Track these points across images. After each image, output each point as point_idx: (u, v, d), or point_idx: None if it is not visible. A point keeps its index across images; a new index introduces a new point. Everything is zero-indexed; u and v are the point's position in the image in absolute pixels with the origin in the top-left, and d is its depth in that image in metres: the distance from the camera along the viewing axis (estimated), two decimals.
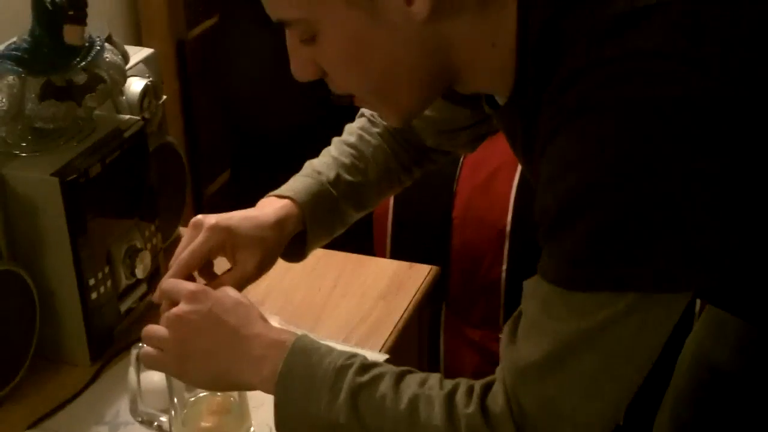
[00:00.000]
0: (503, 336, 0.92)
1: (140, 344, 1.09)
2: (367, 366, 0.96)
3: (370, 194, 1.23)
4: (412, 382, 0.93)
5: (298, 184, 1.18)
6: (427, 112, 1.18)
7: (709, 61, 0.79)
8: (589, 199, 0.80)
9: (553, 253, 0.85)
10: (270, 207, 1.15)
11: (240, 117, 2.22)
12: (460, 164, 2.01)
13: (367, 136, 1.23)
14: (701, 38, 0.80)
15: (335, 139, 1.25)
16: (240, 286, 1.09)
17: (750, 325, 1.10)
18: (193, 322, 1.01)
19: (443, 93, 1.00)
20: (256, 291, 1.42)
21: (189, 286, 1.04)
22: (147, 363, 1.04)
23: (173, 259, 1.11)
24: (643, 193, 0.79)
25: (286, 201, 1.16)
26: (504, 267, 1.92)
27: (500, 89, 0.94)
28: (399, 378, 0.94)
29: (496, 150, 2.01)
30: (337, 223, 1.21)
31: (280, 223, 1.14)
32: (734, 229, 0.82)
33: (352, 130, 1.25)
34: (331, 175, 1.19)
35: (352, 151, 1.22)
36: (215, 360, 1.00)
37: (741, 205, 0.82)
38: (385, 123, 1.24)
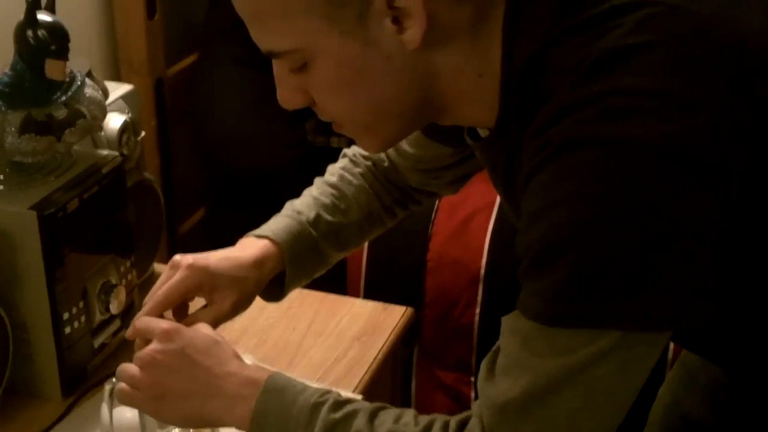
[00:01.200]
0: (481, 371, 0.92)
1: (113, 380, 1.09)
2: (341, 402, 0.96)
3: (352, 235, 1.23)
4: (387, 418, 0.93)
5: (278, 224, 1.18)
6: (410, 150, 1.19)
7: (697, 99, 0.79)
8: (574, 236, 0.80)
9: (534, 290, 0.84)
10: (249, 247, 1.16)
11: (217, 155, 2.23)
12: (435, 207, 2.02)
13: (348, 176, 1.24)
14: (689, 77, 0.80)
15: (317, 179, 1.26)
16: (215, 325, 1.09)
17: (722, 373, 1.10)
18: (166, 362, 1.01)
19: (425, 125, 1.00)
20: (230, 329, 1.42)
21: (162, 324, 1.03)
22: (121, 399, 1.04)
23: (148, 296, 1.11)
24: (629, 232, 0.79)
25: (265, 241, 1.16)
26: (478, 311, 1.93)
27: (485, 121, 0.94)
28: (373, 414, 0.94)
29: (472, 194, 2.03)
30: (317, 263, 1.21)
31: (258, 263, 1.14)
32: (718, 269, 0.82)
33: (334, 171, 1.26)
34: (312, 215, 1.19)
35: (333, 191, 1.22)
36: (189, 400, 1.00)
37: (726, 245, 0.82)
38: (363, 158, 1.24)
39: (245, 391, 0.98)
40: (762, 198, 0.83)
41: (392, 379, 1.48)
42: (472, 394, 1.94)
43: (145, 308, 1.09)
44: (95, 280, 1.29)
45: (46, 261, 1.20)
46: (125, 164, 1.36)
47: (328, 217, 1.20)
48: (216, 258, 1.13)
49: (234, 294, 1.12)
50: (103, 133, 1.38)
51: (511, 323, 0.88)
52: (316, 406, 0.95)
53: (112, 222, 1.32)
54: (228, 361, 1.01)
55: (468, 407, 1.98)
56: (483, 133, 0.98)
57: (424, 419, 0.93)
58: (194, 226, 2.35)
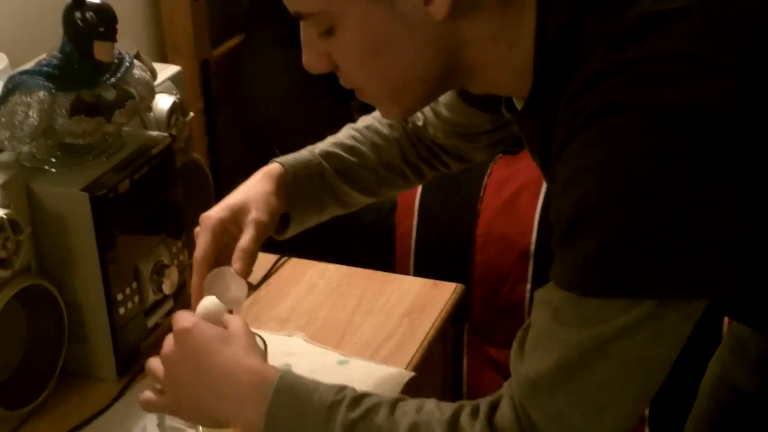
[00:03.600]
0: (512, 349, 0.90)
1: None
2: (357, 398, 0.93)
3: (367, 177, 1.23)
4: (409, 409, 0.91)
5: (288, 155, 1.21)
6: (448, 115, 1.18)
7: (731, 65, 0.78)
8: (604, 203, 0.80)
9: (567, 259, 0.83)
10: (256, 173, 1.19)
11: (261, 136, 2.23)
12: (484, 183, 2.01)
13: (377, 125, 1.25)
14: (724, 43, 0.79)
15: (347, 125, 1.27)
16: (261, 238, 1.11)
17: None
18: (179, 362, 1.00)
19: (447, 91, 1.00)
20: (279, 308, 1.42)
21: (179, 322, 1.02)
22: (145, 408, 1.05)
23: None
24: (662, 198, 0.78)
25: (272, 164, 1.19)
26: (528, 287, 1.92)
27: (517, 91, 0.94)
28: (393, 407, 0.92)
29: (521, 169, 2.01)
30: (324, 192, 1.21)
31: (265, 177, 1.16)
32: (754, 236, 0.81)
33: (366, 118, 1.27)
34: (325, 148, 1.21)
35: (355, 134, 1.24)
36: (202, 400, 0.99)
37: (761, 212, 0.81)
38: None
39: (254, 394, 0.95)
40: None
41: (443, 356, 1.48)
42: None
43: (193, 279, 1.11)
44: (147, 260, 1.29)
45: (98, 242, 1.21)
46: (174, 145, 1.36)
47: (342, 154, 1.21)
48: (227, 199, 1.15)
49: (260, 206, 1.13)
50: (152, 114, 1.39)
51: (543, 295, 0.87)
52: (333, 406, 0.92)
53: (162, 202, 1.32)
54: (238, 360, 0.98)
55: None
56: (519, 104, 0.97)
57: (449, 407, 0.91)
58: None
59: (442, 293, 1.45)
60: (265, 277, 1.50)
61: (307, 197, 1.19)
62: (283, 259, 1.55)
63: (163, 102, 1.39)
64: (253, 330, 1.17)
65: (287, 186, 1.18)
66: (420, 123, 1.23)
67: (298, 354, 1.31)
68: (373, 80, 0.94)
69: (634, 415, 0.87)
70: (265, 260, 1.54)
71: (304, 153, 1.21)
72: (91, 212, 1.19)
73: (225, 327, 1.02)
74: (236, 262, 1.08)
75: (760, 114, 0.79)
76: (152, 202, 1.30)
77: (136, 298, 1.28)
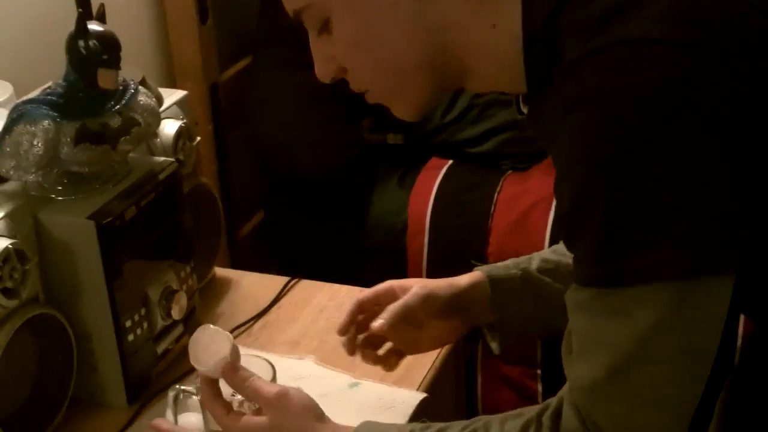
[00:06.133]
0: (562, 356, 0.91)
1: (177, 386, 1.09)
2: (443, 428, 0.97)
3: None
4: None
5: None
6: None
7: (701, 46, 0.79)
8: (597, 194, 0.80)
9: (577, 255, 0.85)
10: None
11: (272, 158, 2.23)
12: (494, 200, 2.00)
13: None
14: (693, 26, 0.80)
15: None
16: (404, 309, 1.15)
17: None
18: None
19: (454, 89, 1.00)
20: (290, 331, 1.42)
21: (266, 391, 1.02)
22: None
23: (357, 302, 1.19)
24: (650, 177, 0.79)
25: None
26: None
27: (516, 87, 0.94)
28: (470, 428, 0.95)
29: (531, 185, 2.00)
30: (528, 293, 1.18)
31: (455, 280, 1.19)
32: (744, 212, 0.80)
33: None
34: (527, 258, 1.21)
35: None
36: None
37: (746, 189, 0.81)
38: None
39: None
40: None
41: (455, 375, 1.47)
42: (538, 387, 1.92)
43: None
44: (156, 286, 1.29)
45: (105, 269, 1.21)
46: (181, 170, 1.36)
47: (546, 256, 1.20)
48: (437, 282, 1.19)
49: (424, 284, 1.17)
50: (158, 140, 1.39)
51: (572, 298, 0.88)
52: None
53: (170, 228, 1.32)
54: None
55: (533, 400, 1.96)
56: (525, 107, 0.98)
57: (515, 425, 0.92)
58: (253, 230, 2.36)
59: None
60: (276, 300, 1.50)
61: (509, 296, 1.19)
62: (294, 281, 1.54)
63: (170, 127, 1.40)
64: (260, 354, 1.17)
65: (485, 284, 1.19)
66: None
67: (308, 377, 1.30)
68: (373, 75, 0.95)
69: (695, 401, 0.85)
70: (275, 282, 1.54)
71: (506, 261, 1.22)
72: (97, 240, 1.19)
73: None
74: (378, 318, 1.14)
75: (727, 91, 0.79)
76: (159, 228, 1.30)
77: (145, 325, 1.28)
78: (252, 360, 1.10)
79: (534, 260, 1.20)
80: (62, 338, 1.23)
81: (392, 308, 1.15)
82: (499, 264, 1.21)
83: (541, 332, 1.27)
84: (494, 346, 1.21)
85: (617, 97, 0.79)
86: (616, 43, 0.80)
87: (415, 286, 1.17)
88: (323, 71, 0.97)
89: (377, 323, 1.14)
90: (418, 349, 1.22)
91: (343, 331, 1.17)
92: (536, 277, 1.18)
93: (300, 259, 2.12)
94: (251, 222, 2.37)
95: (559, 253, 1.19)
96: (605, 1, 0.82)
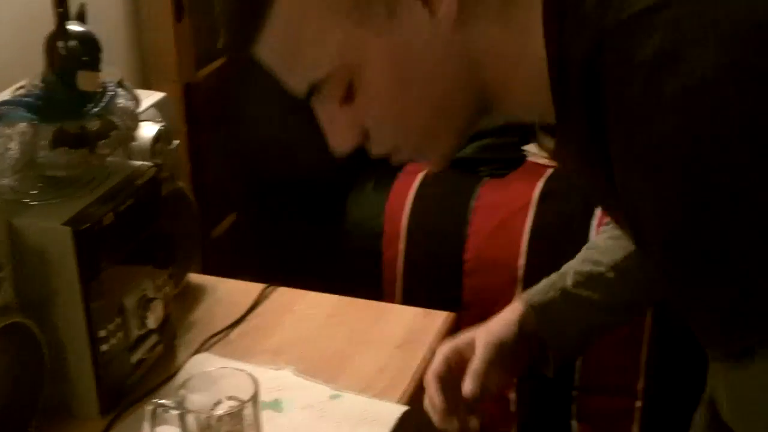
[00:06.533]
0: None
1: (155, 401, 1.06)
2: None
3: (614, 281, 1.16)
4: None
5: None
6: None
7: None
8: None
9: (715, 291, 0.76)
10: None
11: (247, 158, 2.20)
12: (472, 207, 1.98)
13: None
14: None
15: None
16: (485, 363, 1.13)
17: None
18: None
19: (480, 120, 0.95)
20: (270, 341, 1.39)
21: None
22: None
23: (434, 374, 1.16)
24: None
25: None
26: None
27: (538, 112, 0.90)
28: None
29: (509, 193, 1.99)
30: (573, 308, 1.16)
31: (501, 319, 1.16)
32: None
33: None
34: (562, 271, 1.19)
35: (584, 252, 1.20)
36: None
37: None
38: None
39: None
40: None
41: None
42: (512, 396, 1.90)
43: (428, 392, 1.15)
44: (132, 294, 1.26)
45: (81, 277, 1.17)
46: (159, 174, 1.33)
47: (579, 268, 1.17)
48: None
49: (490, 329, 1.15)
50: (135, 143, 1.35)
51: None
52: None
53: (148, 234, 1.29)
54: None
55: (506, 406, 1.94)
56: (545, 139, 0.94)
57: None
58: (225, 233, 2.32)
59: (435, 323, 1.42)
60: (253, 307, 1.47)
61: (554, 318, 1.17)
62: (270, 288, 1.52)
63: (148, 130, 1.36)
64: (242, 366, 1.15)
65: (528, 317, 1.16)
66: None
67: (288, 389, 1.27)
68: (406, 119, 0.89)
69: None
70: (251, 289, 1.51)
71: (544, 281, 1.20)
72: (73, 247, 1.16)
73: None
74: (465, 381, 1.12)
75: None
76: (137, 234, 1.27)
77: (120, 334, 1.24)
78: (234, 374, 1.07)
79: (569, 277, 1.18)
80: (34, 348, 1.19)
81: (475, 370, 1.13)
82: (538, 288, 1.19)
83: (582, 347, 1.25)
84: (548, 370, 1.20)
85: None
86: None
87: (480, 339, 1.15)
88: (346, 141, 0.91)
89: (468, 389, 1.12)
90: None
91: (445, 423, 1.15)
92: (574, 294, 1.17)
93: (274, 262, 2.09)
94: (222, 225, 2.33)
95: (590, 261, 1.18)
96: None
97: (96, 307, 1.19)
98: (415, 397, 1.29)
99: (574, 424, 1.81)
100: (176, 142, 1.45)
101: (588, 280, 1.16)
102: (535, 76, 0.85)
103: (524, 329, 1.16)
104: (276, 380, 1.29)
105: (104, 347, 1.21)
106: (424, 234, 2.00)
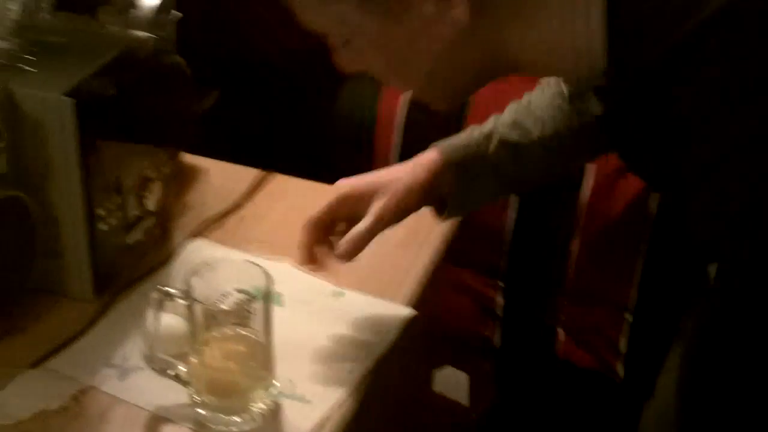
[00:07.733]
0: None
1: (160, 287, 1.01)
2: None
3: (535, 158, 1.15)
4: None
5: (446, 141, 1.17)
6: None
7: None
8: None
9: None
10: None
11: (232, 37, 2.11)
12: (472, 103, 1.93)
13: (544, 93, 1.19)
14: None
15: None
16: (371, 233, 1.10)
17: None
18: None
19: None
20: (265, 229, 1.34)
21: None
22: None
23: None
24: None
25: (429, 152, 1.15)
26: (511, 214, 1.85)
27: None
28: None
29: (508, 88, 1.93)
30: (487, 167, 1.14)
31: (413, 165, 1.13)
32: None
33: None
34: (486, 127, 1.16)
35: (517, 106, 1.18)
36: None
37: None
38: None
39: None
40: None
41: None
42: (499, 300, 1.88)
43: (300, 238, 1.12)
44: (130, 173, 1.20)
45: (81, 151, 1.10)
46: (160, 47, 1.25)
47: (506, 134, 1.15)
48: (373, 174, 1.14)
49: (394, 198, 1.10)
50: (136, 11, 1.27)
51: None
52: None
53: (148, 110, 1.22)
54: None
55: (491, 310, 1.91)
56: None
57: None
58: (209, 109, 2.25)
59: (433, 221, 1.38)
60: (249, 194, 1.41)
61: (467, 172, 1.14)
62: (265, 174, 1.46)
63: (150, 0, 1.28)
64: (240, 255, 1.10)
65: (443, 174, 1.14)
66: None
67: (288, 282, 1.22)
68: (407, 84, 0.95)
69: None
70: (246, 174, 1.46)
71: (461, 134, 1.17)
72: (74, 119, 1.09)
73: None
74: (342, 245, 1.08)
75: None
76: (139, 109, 1.20)
77: (119, 214, 1.18)
78: (244, 265, 1.02)
79: (492, 141, 1.15)
80: (23, 221, 1.13)
81: (359, 237, 1.10)
82: (458, 143, 1.16)
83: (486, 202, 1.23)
84: (442, 217, 1.18)
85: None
86: None
87: (379, 202, 1.11)
88: (346, 68, 0.97)
89: (342, 253, 1.10)
90: None
91: (306, 261, 1.13)
92: (494, 164, 1.14)
93: (260, 145, 2.02)
94: (206, 102, 2.25)
95: (519, 127, 1.16)
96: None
97: (94, 183, 1.13)
98: (415, 298, 1.25)
99: (560, 331, 1.80)
100: (177, 13, 1.37)
101: (512, 152, 1.14)
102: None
103: (434, 185, 1.13)
104: (275, 272, 1.24)
105: (102, 226, 1.16)
106: (420, 126, 1.94)
